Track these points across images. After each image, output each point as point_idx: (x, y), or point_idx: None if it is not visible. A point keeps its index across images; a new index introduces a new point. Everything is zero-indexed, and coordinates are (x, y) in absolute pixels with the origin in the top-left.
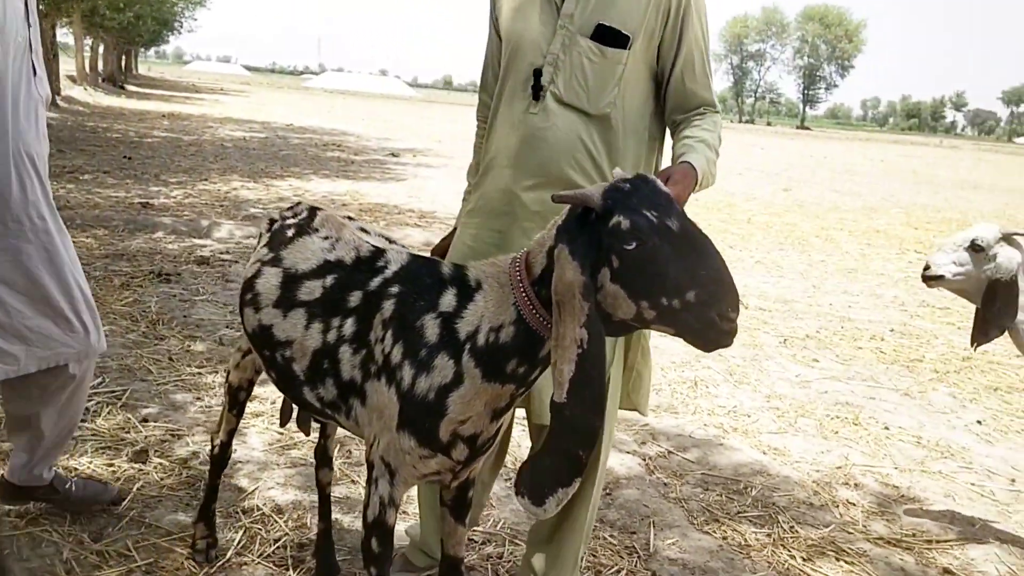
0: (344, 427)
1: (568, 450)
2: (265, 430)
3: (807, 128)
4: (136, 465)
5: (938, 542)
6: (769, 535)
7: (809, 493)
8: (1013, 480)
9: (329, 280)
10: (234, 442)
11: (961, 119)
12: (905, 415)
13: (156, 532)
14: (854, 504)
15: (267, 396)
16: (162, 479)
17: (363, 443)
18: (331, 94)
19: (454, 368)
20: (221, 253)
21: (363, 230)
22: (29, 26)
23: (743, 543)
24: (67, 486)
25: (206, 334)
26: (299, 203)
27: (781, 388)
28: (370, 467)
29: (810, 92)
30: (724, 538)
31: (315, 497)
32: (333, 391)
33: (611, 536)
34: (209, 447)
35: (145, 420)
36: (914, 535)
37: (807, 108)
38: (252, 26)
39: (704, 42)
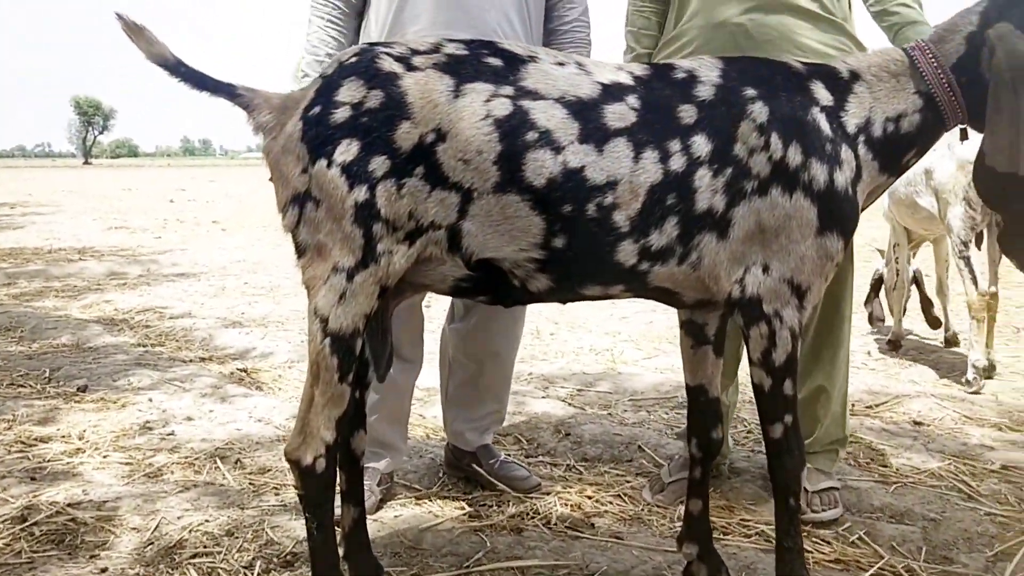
0: (657, 282)
1: None
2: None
3: None
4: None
5: (878, 405)
6: None
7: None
8: (868, 352)
9: (632, 100)
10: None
11: None
12: None
13: None
14: None
15: None
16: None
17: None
18: None
19: (854, 161)
20: None
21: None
22: None
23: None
24: (491, 461)
25: None
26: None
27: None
28: (753, 305)
29: None
30: None
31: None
32: (673, 232)
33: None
34: (304, 463)
35: None
36: (857, 400)
37: None
38: None
39: None
